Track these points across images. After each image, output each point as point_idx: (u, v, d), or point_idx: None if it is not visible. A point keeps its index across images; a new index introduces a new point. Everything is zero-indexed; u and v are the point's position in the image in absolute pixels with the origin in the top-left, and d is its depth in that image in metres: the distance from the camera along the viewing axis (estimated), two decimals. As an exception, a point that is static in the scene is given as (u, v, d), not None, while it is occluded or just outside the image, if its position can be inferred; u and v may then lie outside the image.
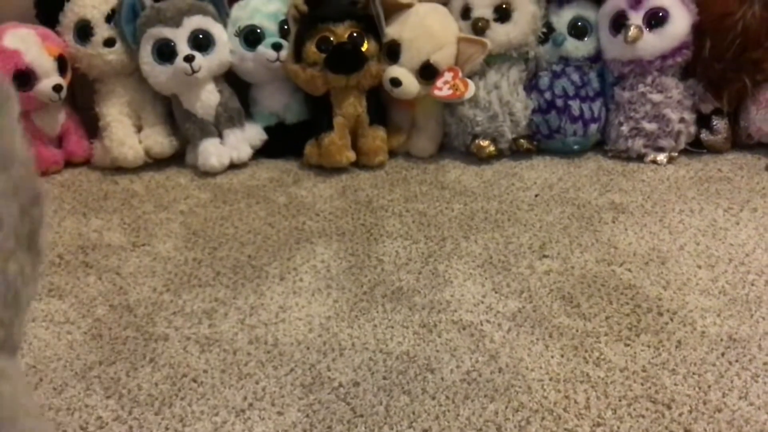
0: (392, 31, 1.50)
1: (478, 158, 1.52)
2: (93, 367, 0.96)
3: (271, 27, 1.53)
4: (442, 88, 1.48)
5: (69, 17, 1.55)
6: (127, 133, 1.55)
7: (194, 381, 0.93)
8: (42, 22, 1.57)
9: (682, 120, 1.48)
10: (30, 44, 1.49)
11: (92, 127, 1.60)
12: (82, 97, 1.64)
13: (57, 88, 1.50)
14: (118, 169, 1.55)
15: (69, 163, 1.60)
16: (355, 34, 1.48)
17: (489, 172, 1.48)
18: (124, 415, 0.87)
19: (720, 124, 1.49)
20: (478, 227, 1.27)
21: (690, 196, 1.35)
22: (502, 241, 1.22)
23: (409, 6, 1.50)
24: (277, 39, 1.52)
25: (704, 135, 1.50)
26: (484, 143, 1.51)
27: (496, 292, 1.08)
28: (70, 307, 1.09)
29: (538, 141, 1.54)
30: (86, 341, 1.01)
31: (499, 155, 1.53)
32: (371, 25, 1.49)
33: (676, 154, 1.50)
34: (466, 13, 1.53)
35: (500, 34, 1.49)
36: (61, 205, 1.43)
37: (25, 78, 1.47)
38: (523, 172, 1.48)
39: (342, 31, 1.47)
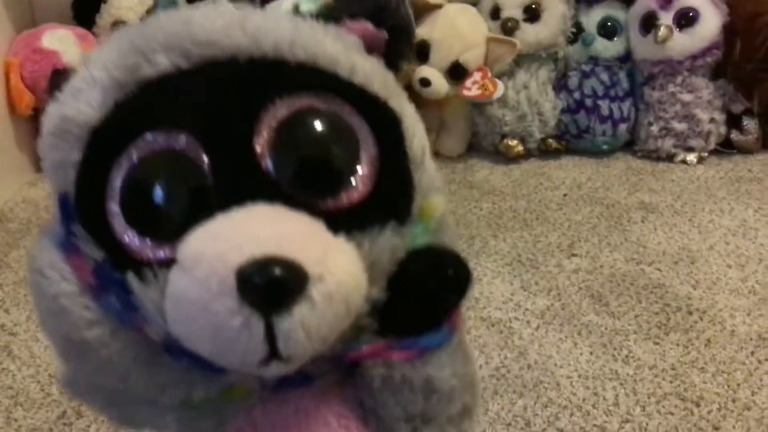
0: (422, 31, 1.51)
1: (506, 158, 1.53)
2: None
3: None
4: (471, 88, 1.49)
5: (105, 18, 1.58)
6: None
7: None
8: (79, 23, 1.60)
9: (712, 120, 1.48)
10: (68, 45, 1.53)
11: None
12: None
13: (93, 88, 1.53)
14: (152, 167, 1.58)
15: (104, 162, 1.64)
16: (385, 35, 1.49)
17: (517, 172, 1.49)
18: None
19: (750, 124, 1.48)
20: (507, 226, 1.28)
21: (720, 196, 1.35)
22: (530, 240, 1.23)
23: (438, 6, 1.52)
24: (309, 39, 1.54)
25: (734, 135, 1.50)
26: (513, 143, 1.52)
27: (524, 290, 1.09)
28: (108, 301, 1.12)
29: (566, 141, 1.55)
30: (123, 334, 1.04)
31: (527, 155, 1.54)
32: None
33: (706, 154, 1.49)
34: (495, 13, 1.54)
35: (529, 34, 1.50)
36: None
37: (63, 77, 1.51)
38: (552, 171, 1.48)
39: (372, 32, 1.49)
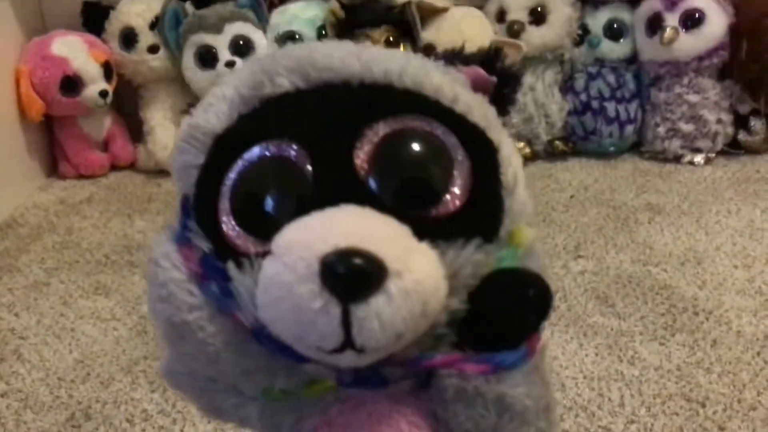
0: (428, 35, 1.52)
1: (513, 160, 1.53)
2: (138, 361, 0.99)
3: (309, 33, 1.56)
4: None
5: (114, 25, 1.60)
6: (170, 137, 1.59)
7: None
8: (88, 29, 1.62)
9: (719, 121, 1.47)
10: (77, 51, 1.54)
11: (136, 132, 1.65)
12: (126, 102, 1.69)
13: (103, 94, 1.55)
14: (161, 172, 1.59)
15: (114, 167, 1.66)
16: (391, 39, 1.50)
17: (524, 174, 1.49)
18: (167, 408, 0.90)
19: (758, 124, 1.48)
20: (514, 228, 1.28)
21: (727, 196, 1.35)
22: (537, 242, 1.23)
23: (444, 10, 1.52)
24: (315, 44, 1.55)
25: (742, 136, 1.49)
26: (520, 145, 1.53)
27: (530, 292, 1.09)
28: (116, 305, 1.13)
29: (573, 143, 1.55)
30: (132, 337, 1.05)
31: (534, 157, 1.54)
32: (407, 29, 1.51)
33: (714, 155, 1.49)
34: (501, 16, 1.54)
35: (535, 36, 1.51)
36: (107, 207, 1.47)
37: (72, 84, 1.53)
38: (559, 173, 1.48)
39: (378, 36, 1.50)
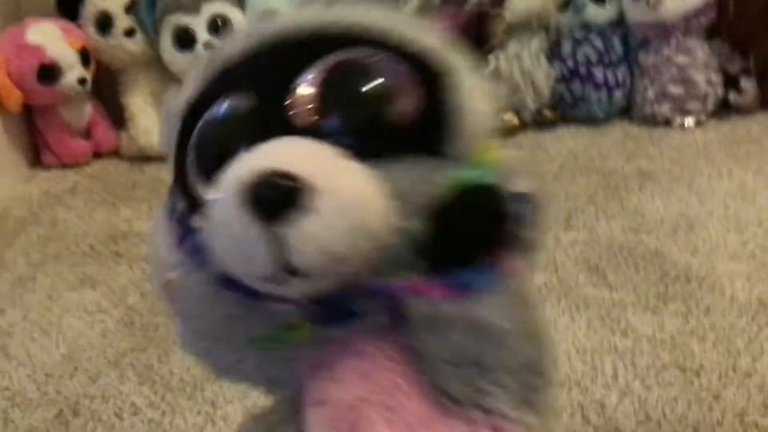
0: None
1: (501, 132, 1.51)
2: (126, 354, 0.98)
3: (288, 10, 1.53)
4: (462, 62, 1.47)
5: (89, 10, 1.57)
6: (152, 122, 1.57)
7: (224, 364, 0.94)
8: (63, 16, 1.59)
9: (708, 82, 1.45)
10: (53, 38, 1.51)
11: (118, 118, 1.63)
12: (107, 88, 1.66)
13: (81, 81, 1.53)
14: (145, 158, 1.57)
15: (97, 154, 1.63)
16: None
17: (513, 144, 1.47)
18: (157, 401, 0.89)
19: (748, 84, 1.46)
20: (503, 200, 1.26)
21: (719, 159, 1.33)
22: (527, 214, 1.21)
23: (425, -20, 1.49)
24: (295, 21, 1.52)
25: (732, 96, 1.47)
26: (507, 116, 1.50)
27: (521, 265, 1.08)
28: (103, 296, 1.11)
29: (562, 110, 1.53)
30: (119, 329, 1.03)
31: (523, 127, 1.52)
32: (388, 1, 1.49)
33: (704, 117, 1.47)
34: (483, -16, 1.51)
35: (519, 3, 1.48)
36: (91, 197, 1.45)
37: (49, 72, 1.50)
38: (548, 143, 1.46)
39: (359, 10, 1.47)
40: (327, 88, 0.39)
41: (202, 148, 0.41)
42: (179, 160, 0.43)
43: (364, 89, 0.40)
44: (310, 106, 0.39)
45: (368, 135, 0.39)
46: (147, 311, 1.07)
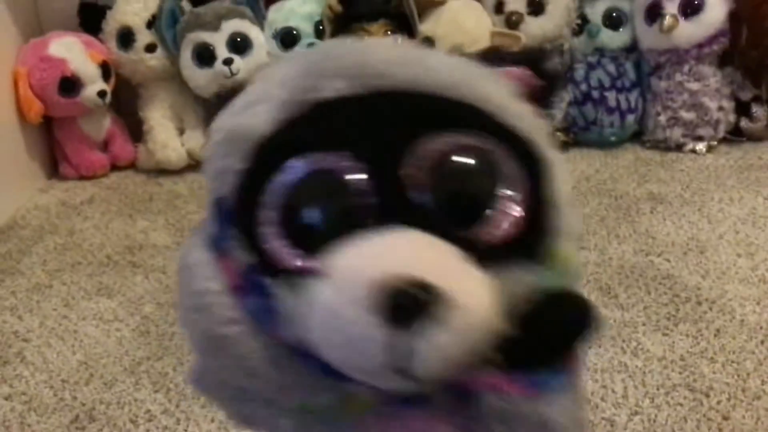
0: (425, 28, 1.51)
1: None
2: (141, 362, 0.99)
3: (306, 28, 1.56)
4: (477, 83, 1.49)
5: (111, 25, 1.60)
6: (169, 136, 1.59)
7: (238, 375, 0.95)
8: (85, 30, 1.62)
9: (720, 108, 1.47)
10: (75, 52, 1.54)
11: (136, 132, 1.65)
12: (125, 102, 1.68)
13: (101, 94, 1.55)
14: (161, 171, 1.59)
15: (114, 167, 1.65)
16: (389, 33, 1.50)
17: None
18: (171, 408, 0.90)
19: (759, 111, 1.47)
20: (515, 220, 1.28)
21: (730, 184, 1.34)
22: (538, 234, 1.23)
23: (441, 3, 1.51)
24: (313, 39, 1.54)
25: (744, 123, 1.48)
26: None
27: (533, 284, 1.09)
28: (119, 306, 1.13)
29: (574, 133, 1.54)
30: (135, 338, 1.05)
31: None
32: (405, 23, 1.51)
33: (715, 142, 1.48)
34: (499, 7, 1.53)
35: (534, 27, 1.50)
36: (108, 208, 1.47)
37: (70, 85, 1.53)
38: (560, 164, 1.48)
39: (376, 30, 1.49)
40: (444, 168, 0.38)
41: (289, 207, 0.38)
42: (243, 203, 0.39)
43: (483, 182, 0.39)
44: (425, 184, 0.37)
45: (476, 231, 0.38)
46: (162, 321, 1.08)
